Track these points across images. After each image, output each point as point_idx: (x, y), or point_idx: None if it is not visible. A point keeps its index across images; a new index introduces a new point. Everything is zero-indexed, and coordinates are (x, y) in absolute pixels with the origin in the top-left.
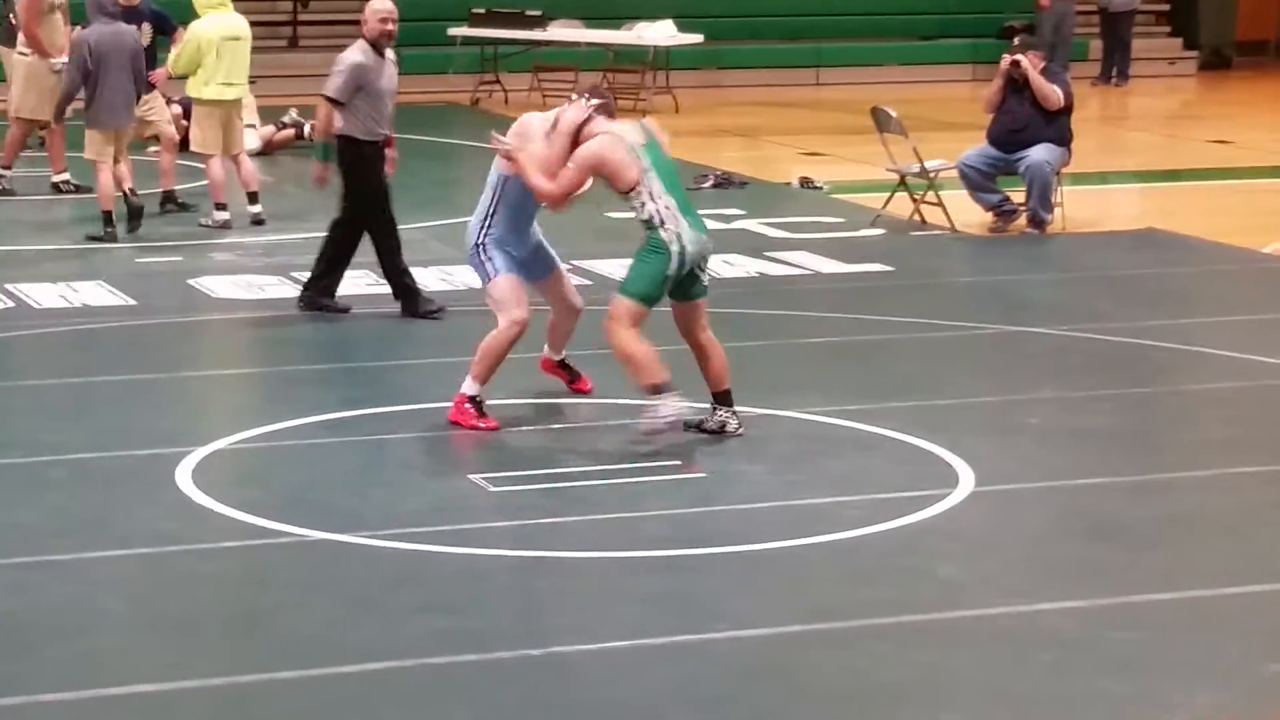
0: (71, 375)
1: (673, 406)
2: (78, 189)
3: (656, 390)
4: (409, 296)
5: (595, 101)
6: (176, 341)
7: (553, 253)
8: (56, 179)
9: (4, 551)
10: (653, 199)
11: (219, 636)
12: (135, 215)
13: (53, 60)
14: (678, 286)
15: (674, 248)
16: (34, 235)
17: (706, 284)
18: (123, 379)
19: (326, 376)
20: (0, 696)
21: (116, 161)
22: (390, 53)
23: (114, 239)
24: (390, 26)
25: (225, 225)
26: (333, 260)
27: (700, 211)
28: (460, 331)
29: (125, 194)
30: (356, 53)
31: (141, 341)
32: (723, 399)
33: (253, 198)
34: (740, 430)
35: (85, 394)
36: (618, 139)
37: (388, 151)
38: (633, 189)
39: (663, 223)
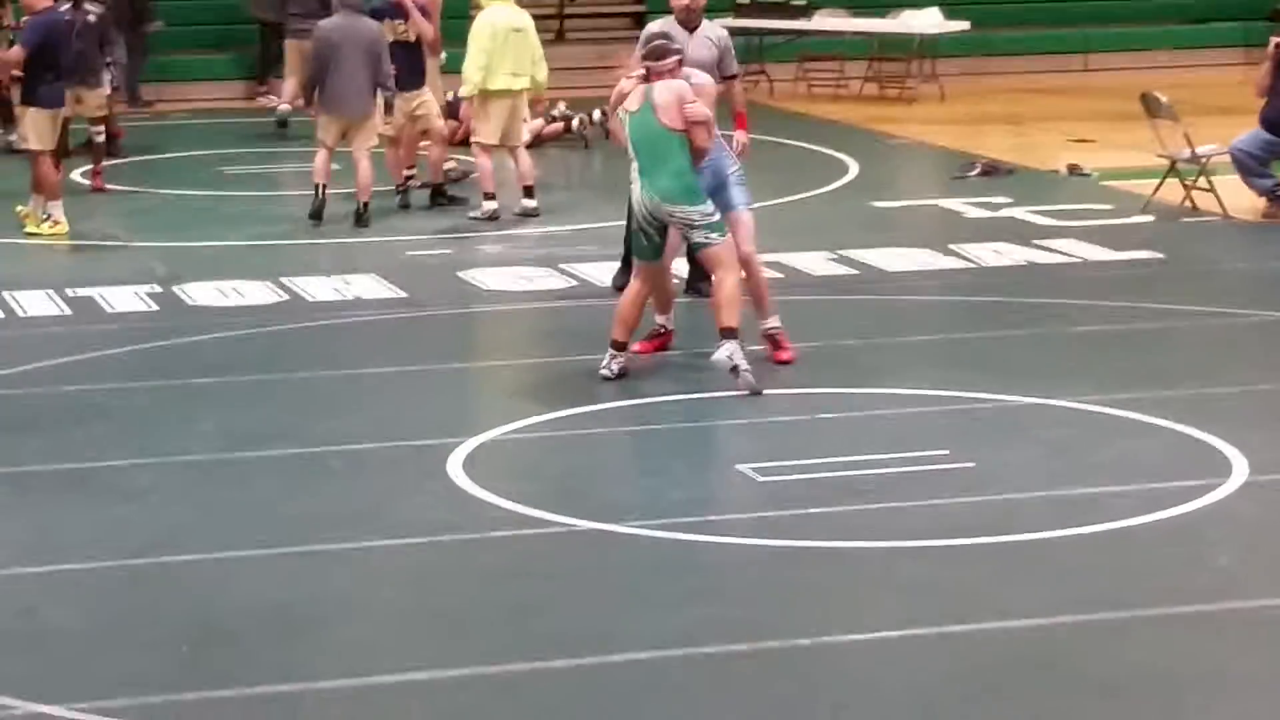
0: (345, 367)
1: (614, 363)
2: (460, 179)
3: (611, 345)
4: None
5: (640, 71)
6: (447, 333)
7: (734, 196)
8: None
9: (282, 540)
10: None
11: (491, 625)
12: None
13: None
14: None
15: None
16: (307, 229)
17: (702, 239)
18: (395, 370)
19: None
20: (280, 683)
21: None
22: (715, 29)
23: (318, 218)
24: (690, 3)
25: (494, 216)
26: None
27: (968, 199)
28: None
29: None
30: (656, 25)
31: (413, 333)
32: (723, 334)
33: (528, 191)
34: (740, 364)
35: (359, 385)
36: (622, 108)
37: (736, 134)
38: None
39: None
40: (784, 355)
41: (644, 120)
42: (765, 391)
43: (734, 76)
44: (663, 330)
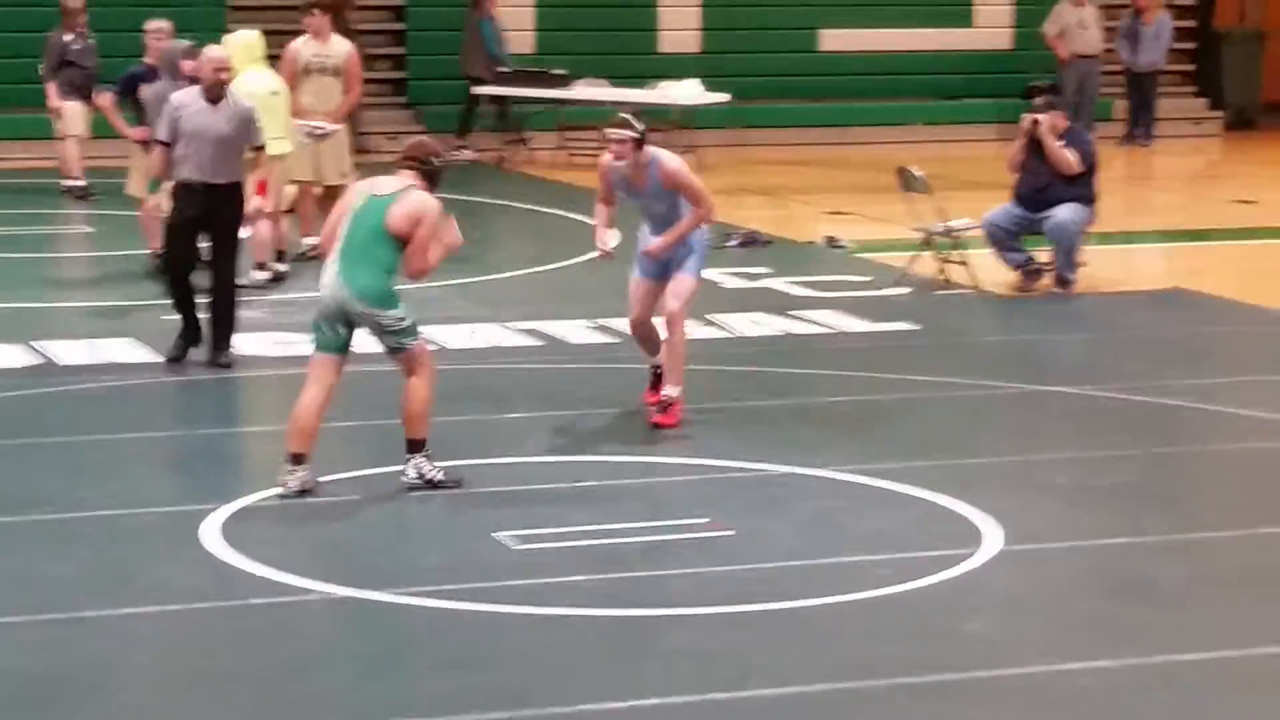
0: (99, 432)
1: (293, 479)
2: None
3: (290, 459)
4: (199, 338)
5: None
6: (204, 399)
7: (688, 261)
8: (307, 243)
9: (34, 608)
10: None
11: (246, 693)
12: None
13: (300, 123)
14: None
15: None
16: (62, 291)
17: (394, 344)
18: (150, 436)
19: (353, 434)
20: None
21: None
22: (238, 100)
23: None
24: (223, 75)
25: (266, 285)
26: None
27: (726, 269)
28: (480, 390)
29: None
30: (180, 94)
31: (169, 399)
32: (411, 447)
33: (280, 256)
34: (433, 477)
35: (114, 451)
36: (351, 194)
37: (257, 198)
38: None
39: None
40: (663, 419)
41: (366, 202)
42: (522, 459)
43: (262, 147)
44: (660, 370)
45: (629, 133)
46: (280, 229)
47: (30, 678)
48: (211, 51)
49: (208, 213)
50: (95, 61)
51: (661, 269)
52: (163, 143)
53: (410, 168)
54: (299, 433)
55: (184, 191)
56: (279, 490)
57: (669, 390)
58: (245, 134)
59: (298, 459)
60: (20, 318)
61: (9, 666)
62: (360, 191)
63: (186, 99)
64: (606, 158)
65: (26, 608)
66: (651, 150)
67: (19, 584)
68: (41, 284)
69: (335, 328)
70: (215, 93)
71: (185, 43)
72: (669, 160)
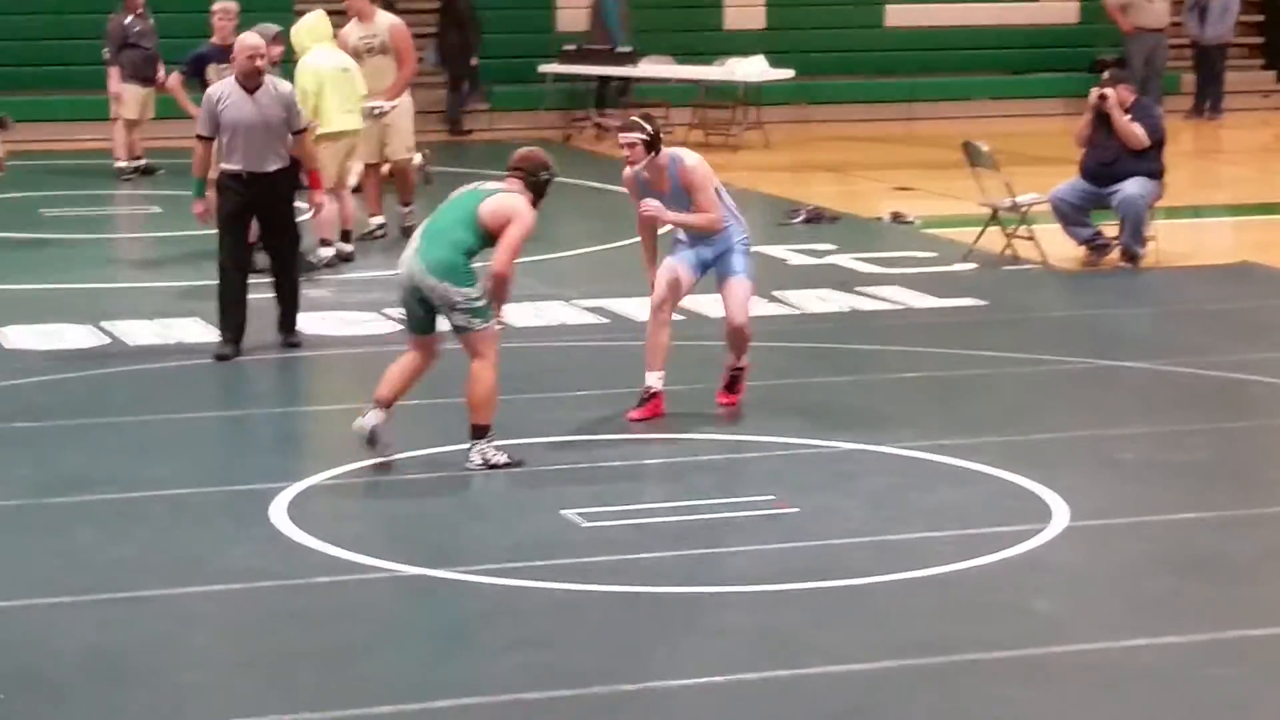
0: (167, 412)
1: (369, 416)
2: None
3: (374, 400)
4: (281, 325)
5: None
6: (272, 377)
7: (733, 263)
8: (374, 222)
9: (100, 587)
10: None
11: (312, 672)
12: None
13: (367, 104)
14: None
15: None
16: (129, 272)
17: (462, 323)
18: (218, 415)
19: (420, 412)
20: None
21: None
22: (277, 85)
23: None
24: (258, 62)
25: (332, 263)
26: (219, 298)
27: (792, 246)
28: (545, 368)
29: None
30: (216, 86)
31: (236, 378)
32: (475, 432)
33: (346, 236)
34: (497, 461)
35: (181, 430)
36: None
37: (314, 196)
38: None
39: None
40: (728, 398)
41: (464, 194)
42: (590, 436)
43: (303, 131)
44: (651, 393)
45: (637, 135)
46: (346, 207)
47: (94, 656)
48: (245, 39)
49: (257, 201)
50: (155, 42)
51: (700, 262)
52: (203, 137)
53: (517, 176)
54: (384, 380)
55: (231, 182)
56: (354, 425)
57: (739, 361)
58: (286, 119)
59: (378, 402)
60: (88, 298)
61: (73, 645)
62: (467, 185)
63: (223, 90)
64: (628, 170)
65: (91, 586)
66: (670, 151)
67: (85, 563)
68: (108, 264)
69: (414, 308)
70: (252, 81)
71: (274, 27)
72: (689, 157)
